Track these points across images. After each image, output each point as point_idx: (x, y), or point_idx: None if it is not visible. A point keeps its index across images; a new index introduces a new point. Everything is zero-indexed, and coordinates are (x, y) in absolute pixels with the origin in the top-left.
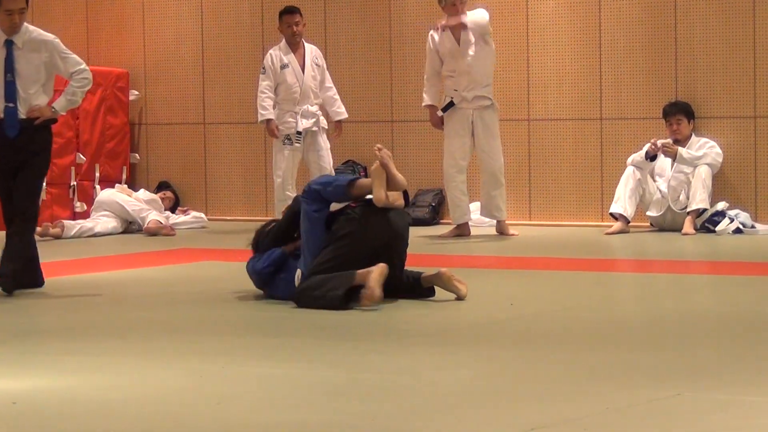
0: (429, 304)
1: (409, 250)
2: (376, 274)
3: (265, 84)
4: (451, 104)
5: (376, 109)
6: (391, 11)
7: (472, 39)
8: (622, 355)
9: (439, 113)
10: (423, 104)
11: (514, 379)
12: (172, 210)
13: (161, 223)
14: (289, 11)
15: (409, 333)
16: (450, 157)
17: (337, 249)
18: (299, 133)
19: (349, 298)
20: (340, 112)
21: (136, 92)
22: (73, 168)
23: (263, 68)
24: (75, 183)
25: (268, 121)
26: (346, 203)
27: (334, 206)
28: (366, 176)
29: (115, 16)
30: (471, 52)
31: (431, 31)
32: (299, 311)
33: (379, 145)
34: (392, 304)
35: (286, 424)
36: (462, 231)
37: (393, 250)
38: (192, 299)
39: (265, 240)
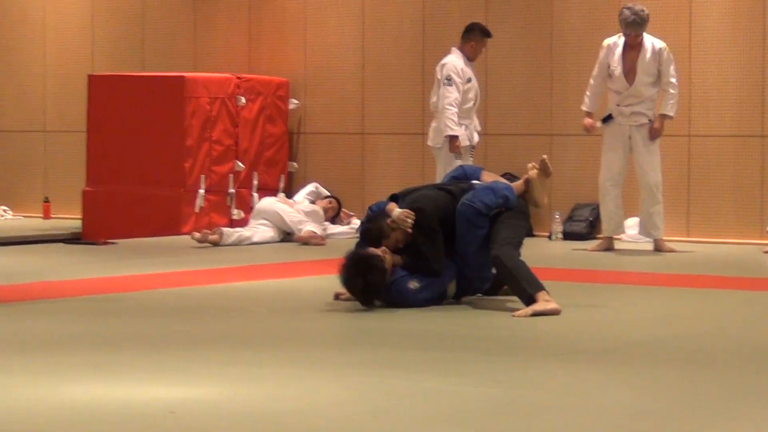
0: (584, 320)
1: (564, 264)
2: (548, 309)
3: (453, 97)
4: (609, 117)
5: (536, 122)
6: (553, 20)
7: (646, 63)
8: None
9: (598, 124)
10: (582, 108)
11: (674, 400)
12: (336, 216)
13: (314, 232)
14: (489, 35)
15: (567, 349)
16: (606, 170)
17: (517, 228)
18: (473, 147)
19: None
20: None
21: (296, 101)
22: (231, 176)
23: (449, 79)
24: (233, 190)
25: (453, 137)
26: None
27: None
28: None
29: (277, 26)
30: (642, 77)
31: (606, 41)
32: (450, 324)
33: (544, 156)
34: (551, 317)
35: None
36: (609, 244)
37: None
38: (345, 308)
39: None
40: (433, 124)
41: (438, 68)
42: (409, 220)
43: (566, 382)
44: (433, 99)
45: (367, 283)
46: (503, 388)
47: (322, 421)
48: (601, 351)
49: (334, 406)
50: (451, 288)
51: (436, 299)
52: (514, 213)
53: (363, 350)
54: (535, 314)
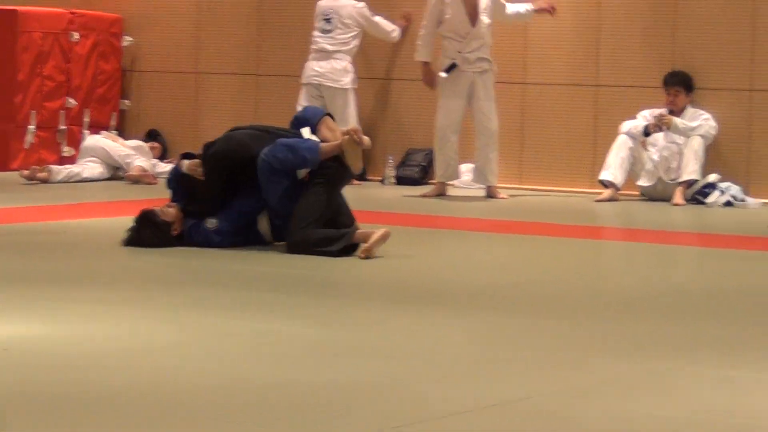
0: (419, 264)
1: (397, 209)
2: (378, 236)
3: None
4: (453, 66)
5: (372, 67)
6: None
7: (484, 5)
8: (616, 325)
9: (442, 74)
10: (418, 58)
11: (509, 346)
12: (161, 159)
13: (145, 170)
14: None
15: (402, 294)
16: (445, 117)
17: (315, 204)
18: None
19: (345, 252)
20: None
21: (130, 38)
22: (62, 112)
23: (369, 11)
24: (64, 127)
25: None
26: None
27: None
28: None
29: None
30: (483, 18)
31: None
32: (285, 267)
33: (355, 127)
34: (384, 261)
35: (284, 383)
36: (442, 190)
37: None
38: (177, 250)
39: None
40: (337, 66)
41: (336, 11)
42: (199, 169)
43: (398, 326)
44: (334, 41)
45: (141, 237)
46: (335, 330)
47: (160, 361)
48: (433, 296)
49: (172, 347)
50: (265, 227)
51: (246, 232)
52: (316, 183)
53: (197, 290)
54: (370, 250)
